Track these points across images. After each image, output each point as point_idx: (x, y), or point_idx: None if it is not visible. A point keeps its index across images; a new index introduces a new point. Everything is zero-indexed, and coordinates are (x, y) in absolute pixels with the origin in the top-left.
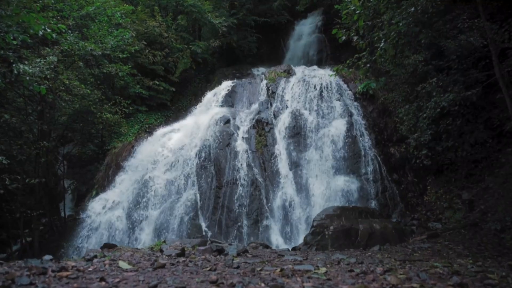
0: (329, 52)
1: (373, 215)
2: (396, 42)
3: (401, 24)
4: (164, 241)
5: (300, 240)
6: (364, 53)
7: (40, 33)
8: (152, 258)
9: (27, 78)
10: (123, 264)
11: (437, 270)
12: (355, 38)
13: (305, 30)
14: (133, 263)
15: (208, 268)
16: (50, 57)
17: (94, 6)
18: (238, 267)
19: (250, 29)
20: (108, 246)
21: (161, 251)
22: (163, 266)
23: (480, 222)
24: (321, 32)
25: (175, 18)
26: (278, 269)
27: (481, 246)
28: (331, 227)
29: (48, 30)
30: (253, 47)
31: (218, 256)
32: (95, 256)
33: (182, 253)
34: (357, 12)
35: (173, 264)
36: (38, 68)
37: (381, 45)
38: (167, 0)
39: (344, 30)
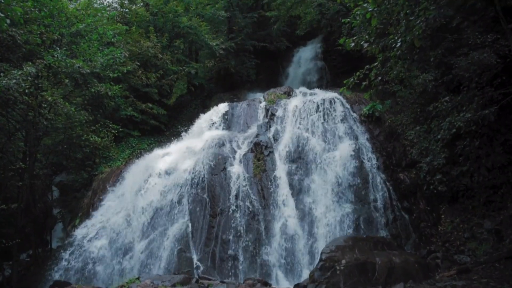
0: (329, 80)
1: (390, 246)
2: (422, 32)
3: (431, 9)
4: (138, 278)
5: (304, 275)
6: (376, 63)
7: None
8: None
9: None
10: None
11: None
12: (365, 44)
13: (305, 57)
14: None
15: None
16: (28, 68)
17: (84, 24)
18: None
19: (249, 55)
20: (59, 285)
21: None
22: None
23: None
24: (321, 59)
25: (172, 40)
26: None
27: None
28: (343, 261)
29: (1, 15)
30: (251, 73)
31: None
32: None
33: None
34: (370, 9)
35: None
36: (14, 81)
37: (397, 45)
38: (163, 22)
39: (353, 38)
